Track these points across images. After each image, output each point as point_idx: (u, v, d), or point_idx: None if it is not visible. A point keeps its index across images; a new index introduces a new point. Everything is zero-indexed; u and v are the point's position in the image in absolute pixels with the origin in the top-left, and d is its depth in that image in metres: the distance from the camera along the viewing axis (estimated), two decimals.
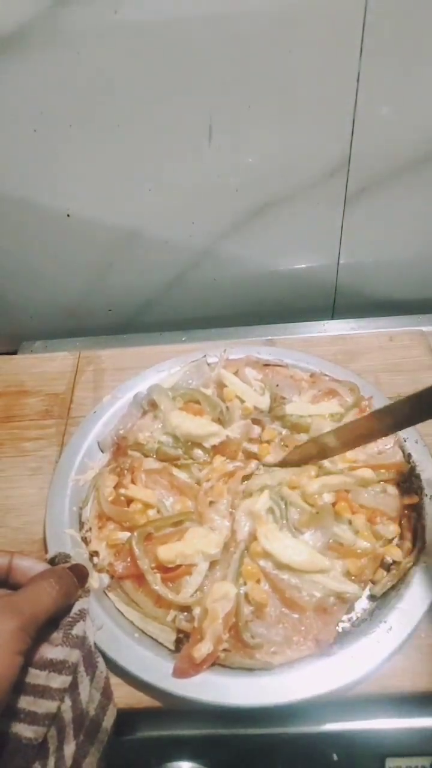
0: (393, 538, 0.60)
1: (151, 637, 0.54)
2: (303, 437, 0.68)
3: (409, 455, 0.66)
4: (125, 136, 0.76)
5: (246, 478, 0.64)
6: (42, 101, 0.72)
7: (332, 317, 0.99)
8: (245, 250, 0.89)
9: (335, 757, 0.50)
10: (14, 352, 0.93)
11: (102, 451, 0.70)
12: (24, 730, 0.43)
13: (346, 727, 0.51)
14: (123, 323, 0.98)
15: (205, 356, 0.78)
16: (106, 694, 0.50)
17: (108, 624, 0.54)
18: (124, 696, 0.51)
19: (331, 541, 0.58)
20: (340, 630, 0.54)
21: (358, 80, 0.72)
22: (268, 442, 0.68)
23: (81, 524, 0.63)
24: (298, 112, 0.75)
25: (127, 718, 0.51)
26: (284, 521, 0.60)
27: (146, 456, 0.68)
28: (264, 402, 0.72)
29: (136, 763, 0.51)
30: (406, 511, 0.62)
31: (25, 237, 0.86)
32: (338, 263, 0.92)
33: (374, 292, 0.96)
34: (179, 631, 0.54)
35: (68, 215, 0.83)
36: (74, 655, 0.47)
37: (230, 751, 0.51)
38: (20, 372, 0.81)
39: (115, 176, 0.80)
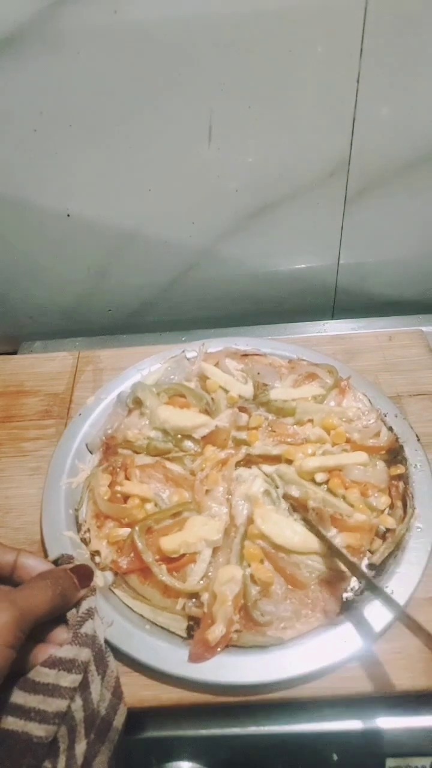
0: (385, 509, 0.62)
1: (163, 627, 0.54)
2: (289, 421, 0.70)
3: (391, 428, 0.69)
4: (125, 136, 0.76)
5: (239, 464, 0.66)
6: (42, 101, 0.72)
7: (332, 317, 0.99)
8: (245, 250, 0.89)
9: (335, 757, 0.50)
10: (14, 352, 0.93)
11: (91, 452, 0.70)
12: (35, 729, 0.43)
13: (346, 727, 0.51)
14: (122, 323, 0.98)
15: (183, 351, 0.79)
16: (117, 693, 0.50)
17: (118, 620, 0.54)
18: (134, 693, 0.51)
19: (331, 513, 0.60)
20: (344, 600, 0.56)
21: (358, 80, 0.72)
22: (256, 428, 0.69)
23: (78, 526, 0.63)
24: (298, 112, 0.75)
25: (128, 717, 0.51)
26: (280, 502, 0.62)
27: (137, 453, 0.68)
28: (248, 390, 0.73)
29: (137, 763, 0.51)
30: (393, 481, 0.64)
31: (25, 237, 0.86)
32: (338, 263, 0.92)
33: (374, 292, 0.96)
34: (190, 618, 0.55)
35: (68, 215, 0.83)
36: (84, 654, 0.47)
37: (230, 751, 0.51)
38: (20, 372, 0.81)
39: (115, 176, 0.80)
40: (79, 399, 0.76)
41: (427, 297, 0.96)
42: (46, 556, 0.58)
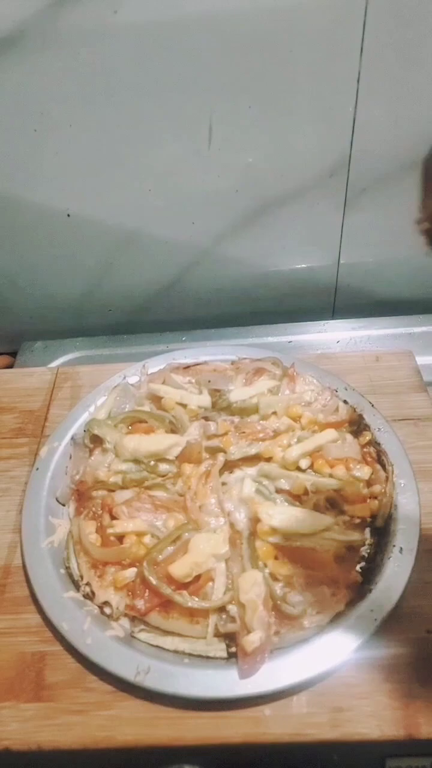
0: (369, 477, 0.65)
1: (201, 656, 0.53)
2: (254, 418, 0.71)
3: (345, 401, 0.72)
4: (125, 136, 0.76)
5: (221, 472, 0.66)
6: (42, 101, 0.72)
7: (332, 317, 0.99)
8: (245, 250, 0.89)
9: (335, 757, 0.50)
10: (15, 352, 0.93)
11: (63, 505, 0.66)
12: None
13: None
14: (123, 323, 0.98)
15: (125, 378, 0.77)
16: None
17: (154, 664, 0.51)
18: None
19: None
20: (359, 570, 0.58)
21: (358, 80, 0.72)
22: (225, 434, 0.69)
23: (75, 583, 0.58)
24: (298, 112, 0.75)
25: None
26: (275, 496, 0.63)
27: (111, 491, 0.65)
28: (205, 400, 0.73)
29: (136, 764, 0.51)
30: (365, 449, 0.68)
31: (25, 237, 0.86)
32: (338, 263, 0.92)
33: (374, 292, 0.96)
34: (225, 635, 0.54)
35: (68, 215, 0.83)
36: None
37: (230, 752, 0.51)
38: None
39: (115, 176, 0.80)
40: (54, 417, 0.74)
41: (426, 297, 0.96)
42: (50, 624, 0.55)
